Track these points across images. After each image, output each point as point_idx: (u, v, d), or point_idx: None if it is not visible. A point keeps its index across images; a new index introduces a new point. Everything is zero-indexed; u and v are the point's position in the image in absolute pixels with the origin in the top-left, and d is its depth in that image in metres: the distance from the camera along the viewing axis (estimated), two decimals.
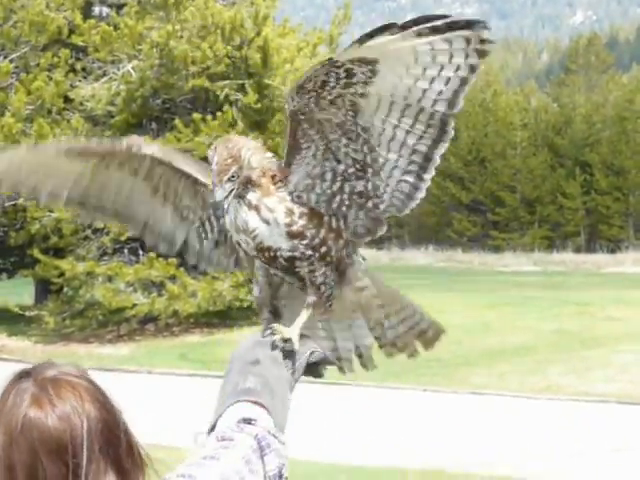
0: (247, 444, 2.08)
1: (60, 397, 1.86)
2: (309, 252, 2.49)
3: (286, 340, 2.34)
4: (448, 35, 2.33)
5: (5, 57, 23.62)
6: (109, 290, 22.31)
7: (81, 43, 23.19)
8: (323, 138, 2.49)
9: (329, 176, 2.53)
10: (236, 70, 23.17)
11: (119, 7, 24.47)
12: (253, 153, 2.49)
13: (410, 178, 2.55)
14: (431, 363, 18.69)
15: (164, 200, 2.77)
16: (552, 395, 15.92)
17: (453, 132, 2.52)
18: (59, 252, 23.37)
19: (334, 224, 2.53)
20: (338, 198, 2.53)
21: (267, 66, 22.74)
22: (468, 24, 2.33)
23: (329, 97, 2.42)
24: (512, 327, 21.76)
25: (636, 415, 14.39)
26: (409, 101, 2.46)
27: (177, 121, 22.86)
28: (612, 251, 46.61)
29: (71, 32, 23.43)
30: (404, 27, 2.31)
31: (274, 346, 2.32)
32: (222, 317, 23.21)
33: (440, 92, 2.45)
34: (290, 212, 2.48)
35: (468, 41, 2.36)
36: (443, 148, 2.52)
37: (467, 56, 2.39)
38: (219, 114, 22.51)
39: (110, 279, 22.65)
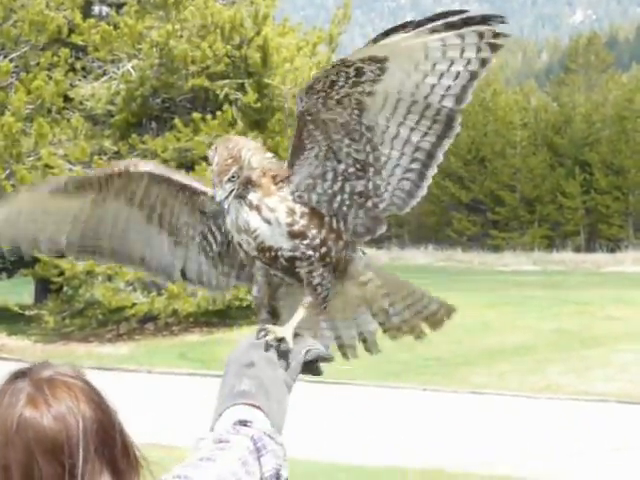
0: (243, 445, 2.08)
1: (56, 397, 1.86)
2: (309, 252, 2.48)
3: (280, 340, 2.33)
4: (462, 31, 2.33)
5: (5, 56, 23.62)
6: (109, 289, 22.32)
7: (81, 42, 23.20)
8: (326, 138, 2.49)
9: (330, 176, 2.52)
10: (236, 69, 23.17)
11: (119, 6, 24.47)
12: (253, 153, 2.48)
13: (412, 176, 2.54)
14: (431, 362, 18.71)
15: (160, 227, 2.75)
16: (552, 394, 15.93)
17: (459, 128, 2.50)
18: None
19: (334, 225, 2.52)
20: (339, 198, 2.53)
21: (267, 65, 22.74)
22: (484, 19, 2.32)
23: (336, 97, 2.42)
24: (512, 326, 21.76)
25: (636, 414, 14.39)
26: (416, 97, 2.45)
27: (177, 120, 22.87)
28: (612, 250, 46.60)
29: (71, 31, 23.43)
30: (420, 25, 2.31)
31: (268, 346, 2.31)
32: (221, 316, 23.21)
33: (448, 87, 2.44)
34: (292, 212, 2.48)
35: (481, 35, 2.35)
36: (447, 144, 2.51)
37: (479, 50, 2.38)
38: (219, 113, 22.52)
39: (110, 278, 22.65)
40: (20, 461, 1.82)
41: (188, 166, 21.84)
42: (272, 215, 2.46)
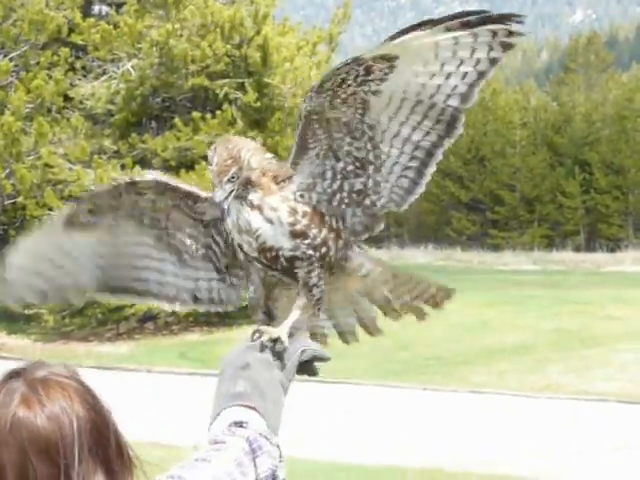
0: (239, 447, 2.08)
1: (49, 397, 1.86)
2: (310, 252, 2.48)
3: (275, 340, 2.32)
4: (476, 29, 2.33)
5: (5, 55, 23.62)
6: None
7: (81, 42, 23.22)
8: (328, 137, 2.48)
9: (329, 175, 2.52)
10: (236, 69, 23.18)
11: (119, 6, 24.47)
12: (253, 154, 2.47)
13: (411, 173, 2.54)
14: (431, 362, 18.72)
15: (168, 247, 2.71)
16: (552, 394, 15.93)
17: (462, 129, 2.50)
18: None
19: (334, 224, 2.52)
20: (338, 197, 2.53)
21: (267, 65, 22.75)
22: (502, 17, 2.32)
23: (343, 95, 2.41)
24: (511, 326, 21.76)
25: (635, 414, 14.39)
26: (421, 97, 2.45)
27: (177, 120, 22.87)
28: (612, 250, 46.59)
29: (71, 31, 23.45)
30: (438, 23, 2.31)
31: (263, 347, 2.31)
32: (221, 316, 23.19)
33: (455, 87, 2.44)
34: (294, 211, 2.47)
35: (494, 34, 2.35)
36: (448, 144, 2.51)
37: (491, 49, 2.38)
38: (219, 113, 22.52)
39: None
40: (14, 461, 1.82)
41: (188, 165, 21.87)
42: (274, 214, 2.46)
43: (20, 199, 22.65)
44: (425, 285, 2.76)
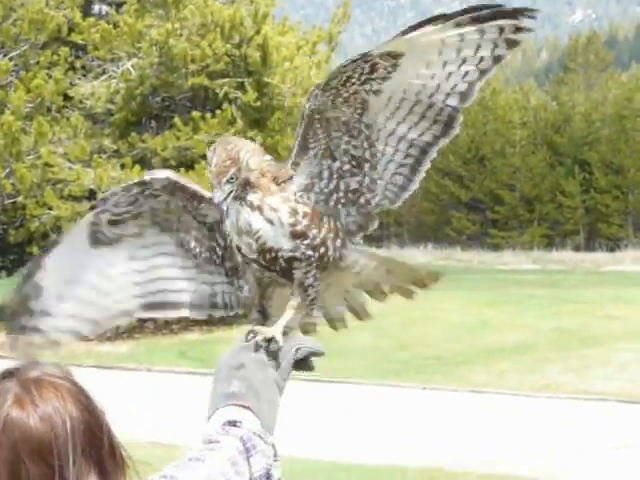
0: (233, 446, 2.08)
1: (42, 398, 1.85)
2: (309, 252, 2.47)
3: (269, 340, 2.32)
4: (484, 25, 2.31)
5: (5, 55, 23.62)
6: None
7: (81, 41, 23.20)
8: (327, 137, 2.48)
9: (326, 174, 2.50)
10: (235, 68, 23.17)
11: (118, 5, 24.46)
12: (252, 155, 2.46)
13: (405, 171, 2.53)
14: (430, 361, 18.72)
15: (189, 253, 2.66)
16: (551, 393, 15.93)
17: (459, 129, 2.48)
18: None
19: (332, 224, 2.51)
20: (334, 196, 2.51)
21: (266, 64, 22.74)
22: (515, 12, 2.31)
23: (345, 94, 2.41)
24: (511, 325, 21.76)
25: (635, 413, 14.39)
26: (420, 97, 2.44)
27: (176, 119, 22.86)
28: (611, 249, 46.60)
29: (71, 30, 23.43)
30: (449, 18, 2.30)
31: (257, 347, 2.31)
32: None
33: (455, 86, 2.43)
34: (294, 212, 2.46)
35: (501, 30, 2.33)
36: (443, 143, 2.50)
37: (495, 47, 2.36)
38: (218, 112, 22.52)
39: None
40: (7, 461, 1.82)
41: (188, 165, 21.86)
42: (275, 215, 2.44)
43: (20, 198, 22.65)
44: (414, 269, 2.75)
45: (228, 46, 22.69)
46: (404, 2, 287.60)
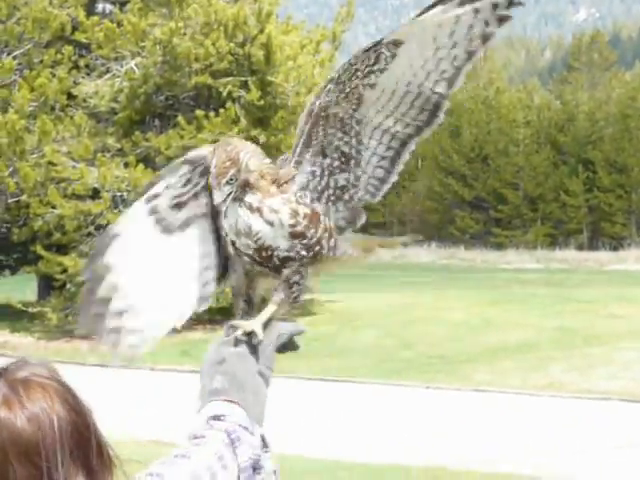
0: (218, 439, 2.09)
1: (30, 399, 1.85)
2: (303, 252, 2.46)
3: (249, 334, 2.33)
4: (479, 3, 2.32)
5: (8, 54, 23.63)
6: None
7: (84, 40, 23.22)
8: (324, 134, 2.48)
9: (318, 172, 2.51)
10: (239, 67, 23.18)
11: (122, 4, 24.49)
12: (251, 156, 2.45)
13: (385, 163, 2.52)
14: (434, 360, 18.72)
15: (219, 239, 2.56)
16: (554, 392, 15.93)
17: (443, 117, 2.47)
18: (62, 248, 23.39)
19: (327, 222, 2.51)
20: (325, 194, 2.52)
21: (270, 63, 22.75)
22: None
23: (347, 90, 2.41)
24: (514, 324, 21.76)
25: (638, 412, 14.39)
26: (410, 88, 2.44)
27: (180, 118, 22.88)
28: (615, 248, 46.61)
29: (74, 29, 23.46)
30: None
31: (237, 342, 2.31)
32: (225, 314, 23.19)
33: (443, 72, 2.43)
34: (295, 213, 2.45)
35: (495, 6, 2.35)
36: (426, 134, 2.50)
37: (487, 24, 2.37)
38: (222, 111, 22.53)
39: None
40: None
41: None
42: (275, 217, 2.43)
43: (24, 197, 22.67)
44: (389, 241, 2.76)
45: (232, 45, 22.70)
46: (407, 1, 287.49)
